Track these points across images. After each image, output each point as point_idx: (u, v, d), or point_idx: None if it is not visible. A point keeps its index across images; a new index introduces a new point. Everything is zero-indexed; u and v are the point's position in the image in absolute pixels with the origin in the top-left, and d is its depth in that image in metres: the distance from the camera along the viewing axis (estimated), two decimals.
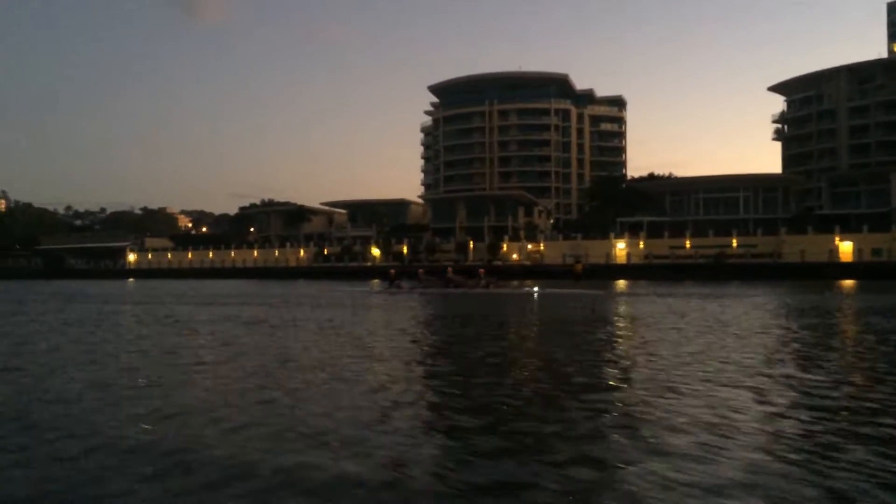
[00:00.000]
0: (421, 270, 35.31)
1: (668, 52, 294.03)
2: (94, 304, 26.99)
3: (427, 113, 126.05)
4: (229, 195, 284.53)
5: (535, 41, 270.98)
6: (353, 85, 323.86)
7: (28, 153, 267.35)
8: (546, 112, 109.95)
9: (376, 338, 12.22)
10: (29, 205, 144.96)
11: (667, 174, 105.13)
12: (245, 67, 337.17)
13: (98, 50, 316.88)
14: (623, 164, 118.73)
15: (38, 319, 18.42)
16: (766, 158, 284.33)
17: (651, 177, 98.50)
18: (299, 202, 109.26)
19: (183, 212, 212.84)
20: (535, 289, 30.58)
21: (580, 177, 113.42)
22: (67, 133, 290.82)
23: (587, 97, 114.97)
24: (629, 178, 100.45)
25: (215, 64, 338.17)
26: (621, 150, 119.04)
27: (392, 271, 36.47)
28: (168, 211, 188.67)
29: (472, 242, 78.58)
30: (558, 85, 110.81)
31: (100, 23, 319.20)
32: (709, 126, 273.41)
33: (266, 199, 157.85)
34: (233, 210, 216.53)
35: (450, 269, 33.79)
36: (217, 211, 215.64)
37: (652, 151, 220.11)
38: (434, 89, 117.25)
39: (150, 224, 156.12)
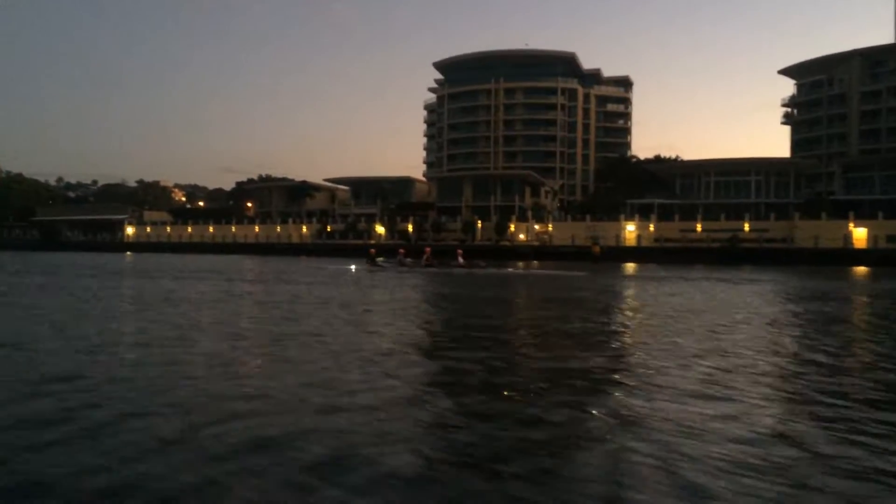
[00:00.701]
0: (402, 250, 36.92)
1: (675, 33, 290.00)
2: (147, 280, 26.58)
3: (431, 90, 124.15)
4: (220, 170, 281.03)
5: (541, 19, 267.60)
6: (352, 61, 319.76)
7: (17, 123, 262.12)
8: (553, 91, 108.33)
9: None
10: (20, 175, 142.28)
11: (673, 156, 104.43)
12: (241, 43, 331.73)
13: (92, 23, 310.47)
14: (628, 146, 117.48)
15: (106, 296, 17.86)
16: (774, 142, 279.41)
17: (657, 159, 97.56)
18: (297, 178, 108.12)
19: (176, 185, 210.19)
20: (510, 269, 32.63)
21: (585, 158, 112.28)
22: (57, 104, 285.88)
23: (594, 77, 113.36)
24: (635, 160, 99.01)
25: (211, 39, 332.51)
26: (626, 132, 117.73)
27: (372, 250, 38.02)
28: (162, 184, 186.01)
29: (479, 222, 77.46)
30: (566, 64, 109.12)
31: None
32: (714, 108, 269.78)
33: (264, 175, 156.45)
34: (225, 185, 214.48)
35: (427, 248, 35.28)
36: (210, 186, 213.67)
37: (655, 133, 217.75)
38: (439, 66, 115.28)
39: (144, 197, 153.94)
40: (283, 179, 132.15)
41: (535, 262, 58.31)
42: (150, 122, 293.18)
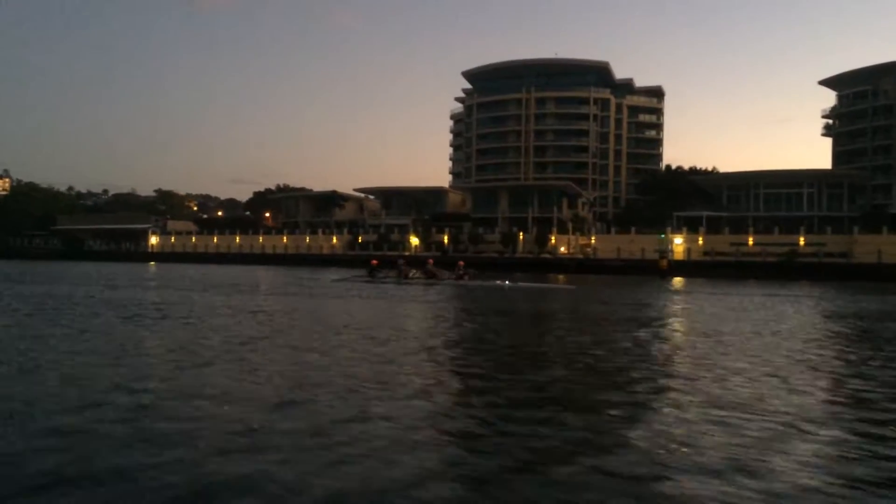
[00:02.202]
0: (402, 261, 36.33)
1: (709, 42, 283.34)
2: (217, 296, 24.33)
3: (458, 100, 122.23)
4: (226, 181, 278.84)
5: (569, 28, 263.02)
6: (368, 69, 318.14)
7: (27, 134, 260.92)
8: (585, 101, 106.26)
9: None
10: (31, 184, 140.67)
11: (709, 168, 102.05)
12: (253, 53, 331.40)
13: (101, 34, 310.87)
14: (660, 157, 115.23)
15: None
16: (813, 154, 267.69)
17: (695, 170, 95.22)
18: (312, 189, 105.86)
19: (188, 195, 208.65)
20: (507, 282, 31.11)
21: (616, 169, 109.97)
22: (65, 114, 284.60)
23: (626, 87, 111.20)
24: (680, 170, 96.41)
25: (223, 49, 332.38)
26: (658, 143, 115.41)
27: (374, 261, 37.18)
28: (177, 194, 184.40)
29: (521, 234, 75.06)
30: (598, 73, 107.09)
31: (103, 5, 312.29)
32: (747, 120, 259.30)
33: (282, 185, 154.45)
34: (234, 195, 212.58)
35: (430, 260, 34.72)
36: (216, 196, 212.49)
37: (687, 144, 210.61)
38: (468, 75, 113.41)
39: (161, 207, 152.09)
40: (301, 189, 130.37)
41: (590, 275, 55.99)
42: (151, 131, 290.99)
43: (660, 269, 49.46)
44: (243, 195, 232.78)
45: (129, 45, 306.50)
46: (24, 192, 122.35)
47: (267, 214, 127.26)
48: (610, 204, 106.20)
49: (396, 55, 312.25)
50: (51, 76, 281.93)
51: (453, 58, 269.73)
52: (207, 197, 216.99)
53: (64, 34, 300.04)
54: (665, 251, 57.98)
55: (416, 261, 48.85)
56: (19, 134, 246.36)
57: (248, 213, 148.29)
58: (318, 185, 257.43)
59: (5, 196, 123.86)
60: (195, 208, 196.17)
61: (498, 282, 31.78)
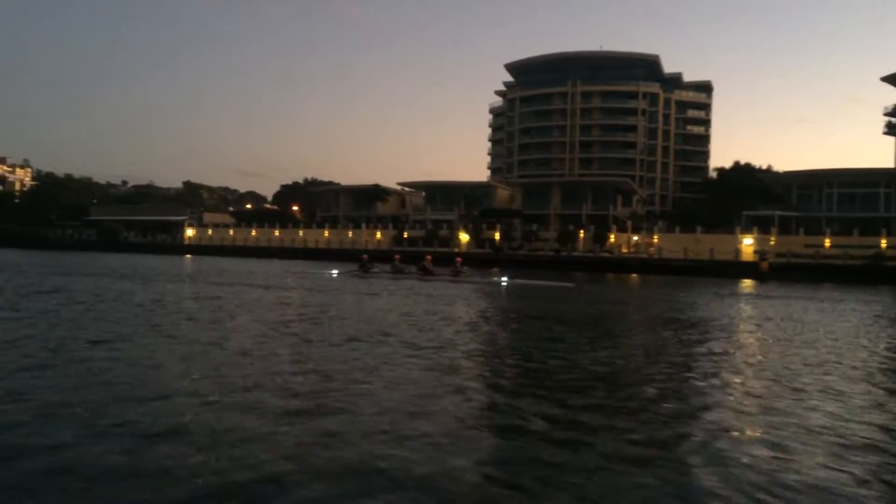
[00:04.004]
0: (397, 256, 35.84)
1: (760, 35, 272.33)
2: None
3: (498, 93, 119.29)
4: (235, 172, 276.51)
5: (613, 20, 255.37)
6: (404, 63, 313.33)
7: (47, 124, 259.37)
8: (633, 95, 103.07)
9: None
10: (51, 174, 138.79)
11: (763, 166, 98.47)
12: (279, 43, 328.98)
13: (127, 26, 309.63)
14: (707, 155, 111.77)
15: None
16: (874, 153, 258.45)
17: (749, 168, 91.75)
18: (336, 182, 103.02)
19: (207, 187, 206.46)
20: (504, 279, 30.82)
21: (664, 166, 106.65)
22: (82, 104, 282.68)
23: (674, 81, 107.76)
24: (748, 167, 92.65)
25: (246, 41, 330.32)
26: (706, 139, 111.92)
27: (365, 256, 36.18)
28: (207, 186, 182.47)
29: (581, 232, 71.99)
30: (647, 67, 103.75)
31: None
32: (799, 117, 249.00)
33: (309, 178, 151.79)
34: (241, 188, 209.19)
35: (428, 256, 33.74)
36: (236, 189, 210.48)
37: (735, 140, 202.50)
38: (511, 68, 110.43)
39: (188, 199, 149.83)
40: (329, 183, 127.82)
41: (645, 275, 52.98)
42: (173, 122, 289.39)
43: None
44: (254, 188, 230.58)
45: (126, 40, 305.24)
46: (58, 183, 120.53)
47: (295, 208, 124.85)
48: (657, 202, 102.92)
49: (430, 48, 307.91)
50: (54, 68, 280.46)
51: (492, 50, 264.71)
52: (227, 189, 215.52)
53: (100, 25, 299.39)
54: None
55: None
56: (29, 125, 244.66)
57: (274, 206, 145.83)
58: (345, 179, 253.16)
59: (36, 186, 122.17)
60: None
61: (495, 278, 31.87)
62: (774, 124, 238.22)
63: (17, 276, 26.74)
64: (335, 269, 35.27)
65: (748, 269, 56.59)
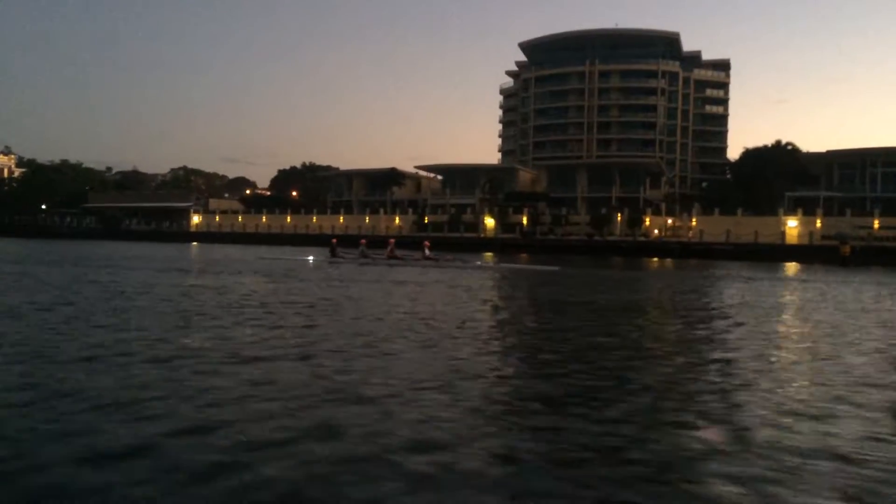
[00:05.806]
0: (363, 241, 34.79)
1: (781, 10, 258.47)
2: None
3: (509, 73, 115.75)
4: (219, 159, 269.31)
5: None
6: (407, 43, 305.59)
7: (24, 109, 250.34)
8: (653, 74, 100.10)
9: None
10: (33, 160, 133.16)
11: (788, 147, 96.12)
12: (276, 29, 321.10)
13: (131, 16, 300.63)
14: (725, 136, 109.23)
15: None
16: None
17: (780, 147, 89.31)
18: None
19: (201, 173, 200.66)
20: (478, 262, 30.69)
21: (683, 147, 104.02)
22: (60, 90, 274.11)
23: (693, 60, 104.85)
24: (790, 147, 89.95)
25: (244, 25, 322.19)
26: (724, 119, 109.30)
27: (334, 240, 35.37)
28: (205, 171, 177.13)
29: (619, 215, 69.16)
30: (667, 45, 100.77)
31: None
32: (820, 95, 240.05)
33: (307, 163, 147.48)
34: (228, 173, 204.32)
35: (391, 240, 33.49)
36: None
37: (753, 120, 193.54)
38: (524, 46, 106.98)
39: (182, 185, 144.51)
40: (329, 168, 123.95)
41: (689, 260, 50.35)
42: (168, 111, 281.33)
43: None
44: (239, 174, 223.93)
45: (104, 24, 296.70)
46: (55, 168, 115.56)
47: (294, 193, 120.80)
48: (677, 184, 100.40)
49: (436, 26, 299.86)
50: (30, 53, 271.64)
51: (500, 30, 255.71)
52: (215, 175, 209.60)
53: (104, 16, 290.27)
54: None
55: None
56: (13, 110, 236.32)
57: (269, 192, 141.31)
58: (343, 164, 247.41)
59: (31, 172, 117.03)
60: (202, 187, 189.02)
61: (468, 262, 31.50)
62: (796, 100, 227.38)
63: (52, 269, 23.29)
64: (311, 255, 34.98)
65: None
